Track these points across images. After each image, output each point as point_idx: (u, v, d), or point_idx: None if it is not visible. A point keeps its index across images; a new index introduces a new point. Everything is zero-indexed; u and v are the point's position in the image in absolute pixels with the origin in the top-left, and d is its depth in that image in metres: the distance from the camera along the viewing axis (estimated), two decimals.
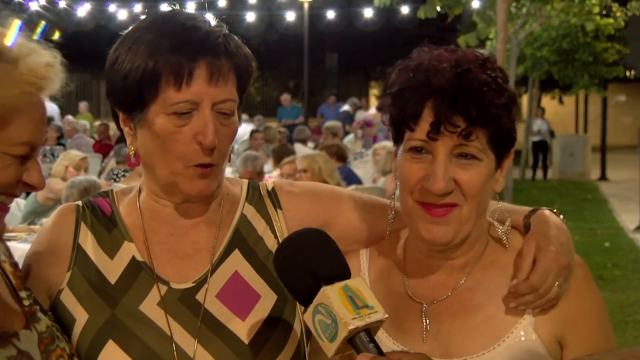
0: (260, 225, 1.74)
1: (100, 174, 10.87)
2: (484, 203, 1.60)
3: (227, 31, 1.64)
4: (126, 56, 1.58)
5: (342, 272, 1.42)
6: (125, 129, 1.66)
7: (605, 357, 1.33)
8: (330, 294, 1.36)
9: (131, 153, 1.67)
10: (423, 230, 1.57)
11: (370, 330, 1.36)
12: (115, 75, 1.60)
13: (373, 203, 1.82)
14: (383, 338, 1.62)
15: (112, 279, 1.65)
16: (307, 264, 1.41)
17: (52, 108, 17.25)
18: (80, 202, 1.75)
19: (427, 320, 1.61)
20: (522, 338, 1.56)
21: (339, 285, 1.38)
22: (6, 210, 1.48)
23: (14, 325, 1.46)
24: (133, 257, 1.67)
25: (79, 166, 7.61)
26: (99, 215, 1.72)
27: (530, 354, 1.55)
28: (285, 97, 20.43)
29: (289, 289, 1.46)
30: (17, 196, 1.49)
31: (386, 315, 1.38)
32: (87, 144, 14.05)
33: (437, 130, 1.50)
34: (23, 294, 1.54)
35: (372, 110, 19.87)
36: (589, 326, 1.60)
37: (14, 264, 1.60)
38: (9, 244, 1.67)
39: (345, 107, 19.58)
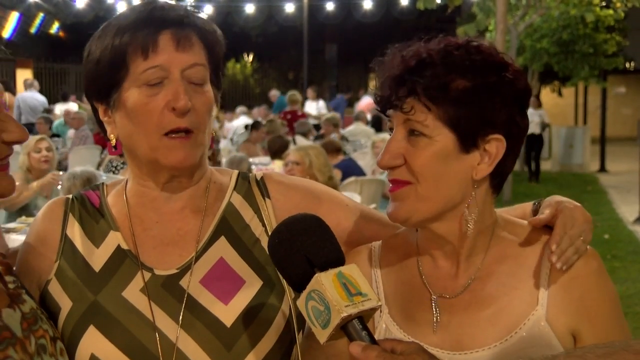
0: (247, 214, 1.74)
1: (99, 165, 10.85)
2: (450, 187, 1.55)
3: (192, 10, 1.68)
4: (96, 44, 1.63)
5: (336, 259, 1.41)
6: (105, 120, 1.67)
7: (598, 351, 1.32)
8: (324, 280, 1.35)
9: (112, 142, 1.67)
10: (388, 207, 1.60)
11: (363, 318, 1.36)
12: (89, 65, 1.64)
13: (368, 210, 1.84)
14: (394, 330, 1.62)
15: (97, 267, 1.66)
16: (302, 249, 1.40)
17: (37, 100, 17.29)
18: (70, 195, 1.77)
19: (438, 312, 1.61)
20: (535, 330, 1.55)
21: (332, 272, 1.37)
22: (5, 168, 1.49)
23: None
24: (118, 246, 1.68)
25: (38, 149, 7.13)
26: (88, 207, 1.74)
27: (543, 346, 1.53)
28: (273, 93, 20.28)
29: (283, 274, 1.45)
30: (8, 154, 1.49)
31: (380, 303, 1.38)
32: (91, 137, 13.97)
33: (389, 103, 1.54)
34: (9, 278, 1.56)
35: (365, 100, 19.98)
36: (605, 318, 1.58)
37: (3, 255, 1.61)
38: (8, 236, 1.68)
39: (368, 100, 19.66)
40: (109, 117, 1.66)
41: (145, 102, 1.58)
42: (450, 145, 1.53)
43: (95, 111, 1.70)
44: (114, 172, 8.55)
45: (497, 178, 1.60)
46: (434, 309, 1.61)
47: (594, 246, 1.63)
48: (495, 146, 1.55)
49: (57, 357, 1.54)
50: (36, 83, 17.92)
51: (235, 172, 1.82)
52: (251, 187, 1.78)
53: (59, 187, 6.40)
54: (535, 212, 1.69)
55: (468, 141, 1.53)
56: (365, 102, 19.39)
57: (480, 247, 1.63)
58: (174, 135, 1.59)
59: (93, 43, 1.64)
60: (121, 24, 1.61)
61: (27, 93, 17.32)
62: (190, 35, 1.61)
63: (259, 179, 1.79)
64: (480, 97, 1.51)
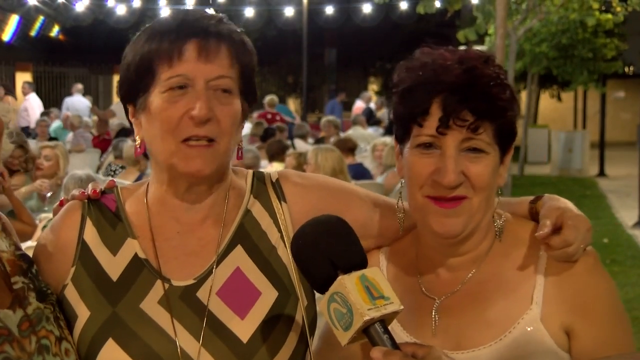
0: (264, 220, 1.73)
1: (98, 169, 10.84)
2: (492, 196, 1.63)
3: (224, 19, 1.68)
4: (131, 48, 1.67)
5: (359, 262, 1.42)
6: (133, 120, 1.70)
7: None
8: (347, 283, 1.36)
9: (137, 143, 1.69)
10: (435, 223, 1.59)
11: (384, 321, 1.37)
12: (123, 68, 1.68)
13: (380, 202, 1.82)
14: (398, 330, 1.64)
15: (114, 276, 1.65)
16: (326, 251, 1.41)
17: (82, 103, 17.77)
18: (86, 200, 1.76)
19: (437, 316, 1.63)
20: (528, 329, 1.57)
21: (356, 274, 1.38)
22: None
23: None
24: (135, 255, 1.67)
25: (50, 156, 7.18)
26: (105, 211, 1.73)
27: (537, 345, 1.56)
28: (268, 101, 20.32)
29: (306, 275, 1.46)
30: None
31: (402, 307, 1.39)
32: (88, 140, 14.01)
33: (446, 125, 1.54)
34: (16, 279, 1.56)
35: (358, 103, 20.03)
36: (601, 315, 1.59)
37: (20, 255, 1.62)
38: None
39: (360, 104, 19.66)
40: (137, 119, 1.68)
41: (166, 107, 1.60)
42: (498, 159, 1.61)
43: (127, 112, 1.72)
44: (112, 176, 8.54)
45: None
46: (433, 313, 1.64)
47: None
48: (510, 154, 1.65)
49: (62, 357, 1.54)
50: (81, 86, 18.81)
51: (250, 172, 1.82)
52: (267, 189, 1.77)
53: (49, 195, 6.39)
54: (531, 211, 1.71)
55: (504, 153, 1.62)
56: (357, 106, 19.47)
57: (483, 251, 1.66)
58: (193, 143, 1.59)
59: (129, 46, 1.67)
60: (154, 31, 1.64)
61: (74, 97, 18.15)
62: (218, 46, 1.61)
63: (274, 180, 1.78)
64: (514, 109, 1.59)
